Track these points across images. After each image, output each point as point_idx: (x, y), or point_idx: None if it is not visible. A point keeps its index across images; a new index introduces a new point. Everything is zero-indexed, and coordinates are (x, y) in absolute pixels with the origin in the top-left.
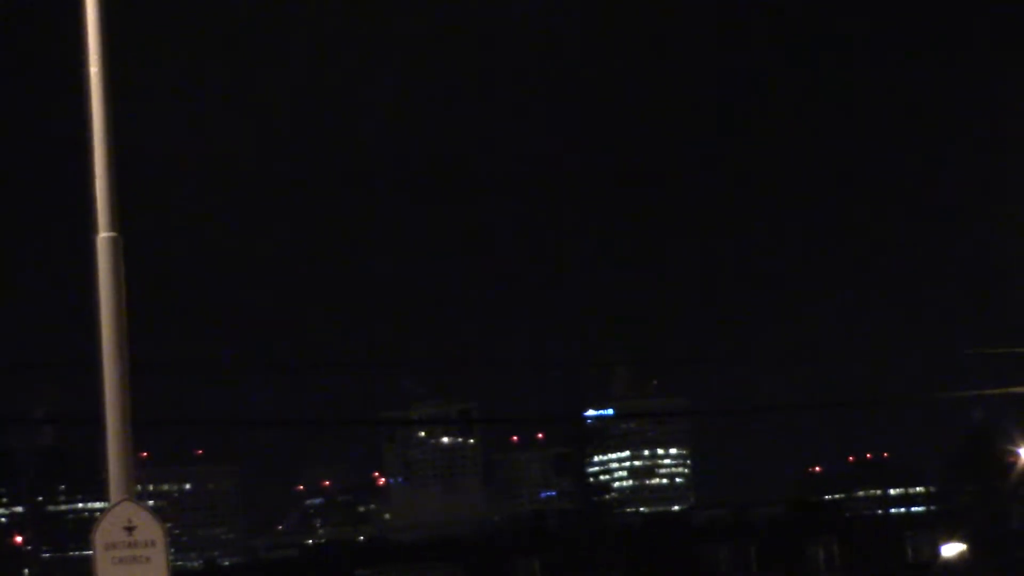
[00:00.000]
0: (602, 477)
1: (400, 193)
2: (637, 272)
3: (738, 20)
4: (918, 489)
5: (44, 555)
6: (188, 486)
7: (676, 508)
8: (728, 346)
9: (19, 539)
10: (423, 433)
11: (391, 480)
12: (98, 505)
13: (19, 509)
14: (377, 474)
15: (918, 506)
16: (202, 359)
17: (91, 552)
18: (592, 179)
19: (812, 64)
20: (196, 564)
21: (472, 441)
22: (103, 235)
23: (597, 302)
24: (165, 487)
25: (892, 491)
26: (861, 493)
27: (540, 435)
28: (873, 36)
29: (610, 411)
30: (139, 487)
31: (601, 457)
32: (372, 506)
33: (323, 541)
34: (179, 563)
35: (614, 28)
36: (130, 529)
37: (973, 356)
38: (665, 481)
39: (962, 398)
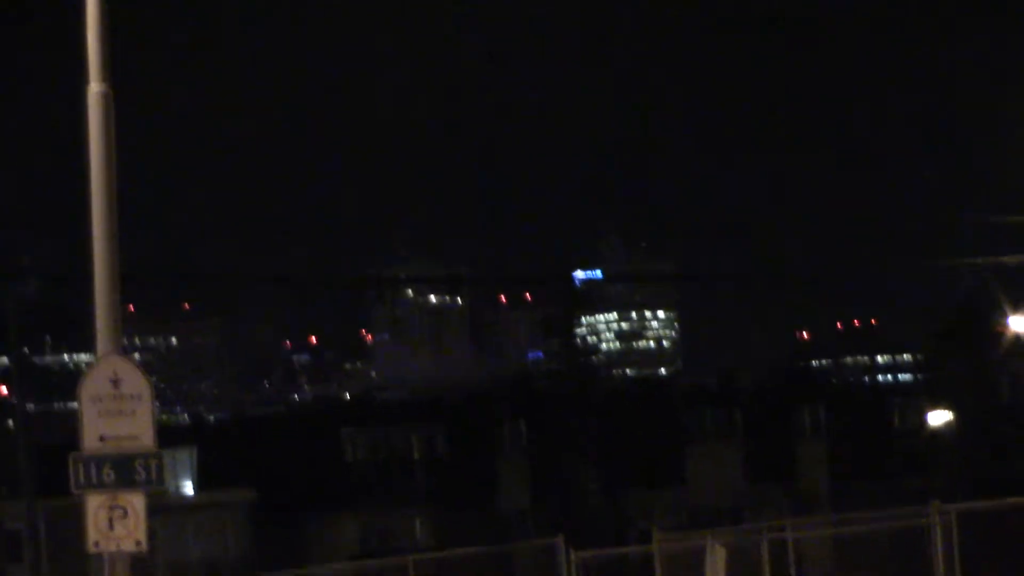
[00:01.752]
0: (590, 339)
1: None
2: (633, 133)
3: None
4: (906, 357)
5: (29, 407)
6: (174, 340)
7: (663, 371)
8: (720, 211)
9: (3, 390)
10: (412, 293)
11: (378, 338)
12: (84, 357)
13: (3, 360)
14: (364, 332)
15: (906, 374)
16: (191, 215)
17: (76, 405)
18: (590, 32)
19: None
20: (182, 417)
21: (460, 301)
22: (94, 88)
23: (591, 164)
24: (152, 341)
25: (880, 358)
26: (848, 360)
27: (528, 296)
28: None
29: (598, 273)
30: (125, 341)
31: (589, 319)
32: (358, 364)
33: (309, 398)
34: (164, 417)
35: None
36: (116, 382)
37: (966, 225)
38: (652, 344)
39: (954, 266)
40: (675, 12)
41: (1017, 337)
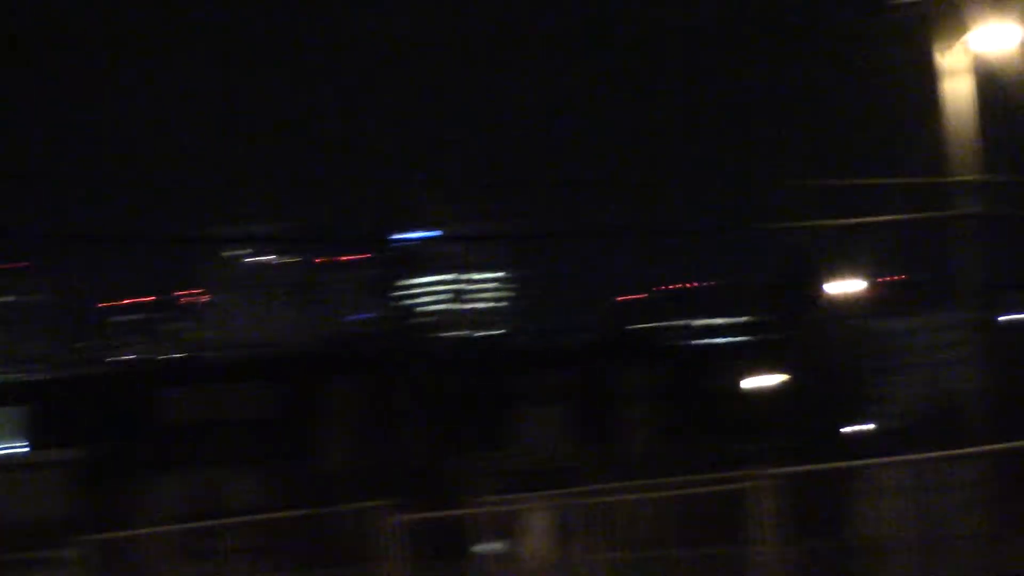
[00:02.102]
0: (419, 300)
1: None
2: (469, 93)
3: None
4: (734, 320)
5: None
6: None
7: (491, 333)
8: (549, 171)
9: None
10: (241, 251)
11: (208, 299)
12: None
13: None
14: (195, 291)
15: (733, 336)
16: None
17: None
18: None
19: None
20: (11, 376)
21: (290, 260)
22: None
23: (423, 123)
24: None
25: (706, 321)
26: (675, 323)
27: (357, 256)
28: None
29: (418, 235)
30: None
31: (418, 280)
32: (184, 324)
33: (132, 357)
34: None
35: None
36: None
37: (789, 188)
38: (482, 306)
39: (777, 229)
40: None
41: (839, 299)
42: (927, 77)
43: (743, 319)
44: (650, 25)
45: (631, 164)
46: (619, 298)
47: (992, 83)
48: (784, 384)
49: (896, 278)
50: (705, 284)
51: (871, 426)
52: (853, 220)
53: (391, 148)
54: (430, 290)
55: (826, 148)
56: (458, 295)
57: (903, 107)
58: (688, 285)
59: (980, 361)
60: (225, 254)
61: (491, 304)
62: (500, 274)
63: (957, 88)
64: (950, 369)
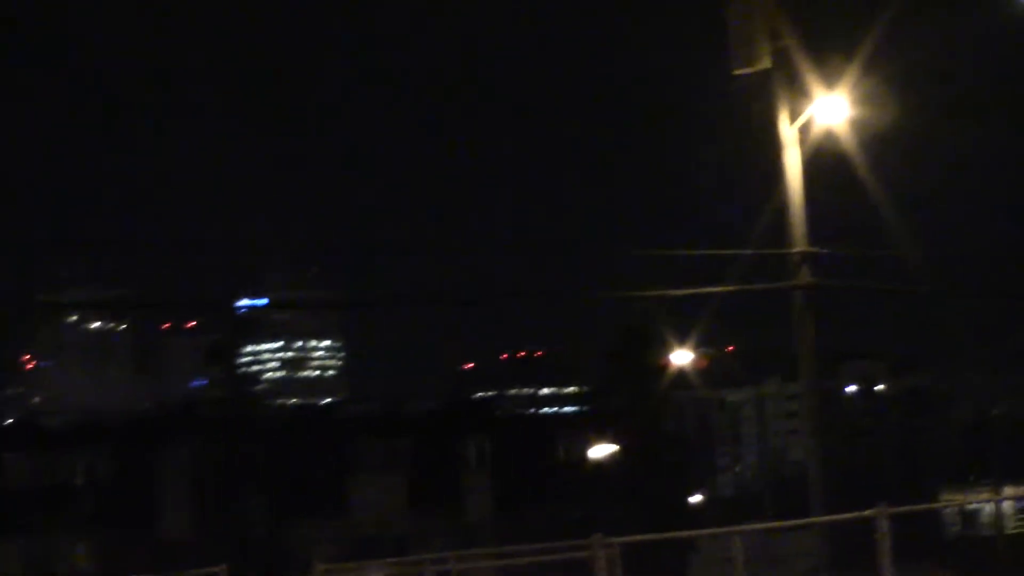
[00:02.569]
0: (254, 368)
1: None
2: (297, 158)
3: None
4: (571, 388)
5: None
6: None
7: (327, 400)
8: (395, 236)
9: None
10: (75, 317)
11: (41, 364)
12: None
13: None
14: (28, 357)
15: (571, 405)
16: None
17: None
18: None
19: None
20: None
21: (124, 327)
22: None
23: (260, 189)
24: None
25: (545, 389)
26: (513, 391)
27: (193, 323)
28: None
29: (265, 300)
30: None
31: (254, 347)
32: (20, 389)
33: None
34: None
35: None
36: None
37: (634, 256)
38: (317, 373)
39: (621, 298)
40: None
41: (679, 369)
42: (772, 148)
43: (584, 387)
44: (485, 89)
45: (474, 231)
46: (461, 365)
47: (823, 155)
48: (625, 453)
49: (732, 349)
50: (547, 351)
51: (712, 495)
52: (691, 290)
53: (227, 214)
54: (269, 357)
55: (672, 216)
56: (297, 362)
57: (750, 177)
58: (530, 352)
59: (819, 431)
60: (62, 319)
61: (330, 371)
62: (338, 342)
63: (793, 160)
64: (791, 439)
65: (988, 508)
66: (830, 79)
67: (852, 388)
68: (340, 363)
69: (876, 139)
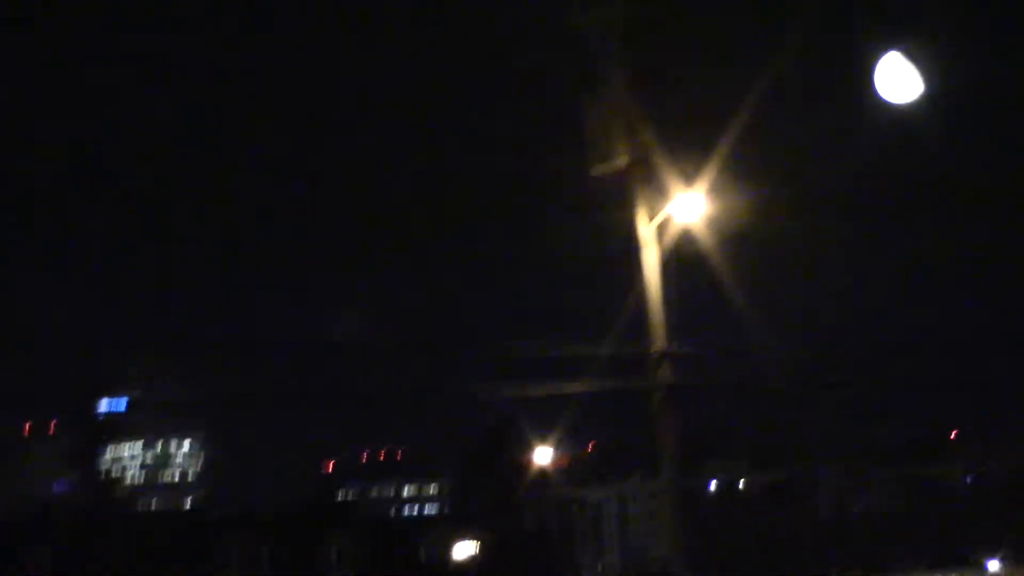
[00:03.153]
0: (115, 469)
1: None
2: (162, 249)
3: None
4: (433, 488)
5: None
6: None
7: (188, 502)
8: (245, 333)
9: None
10: None
11: None
12: None
13: None
14: None
15: (433, 503)
16: None
17: None
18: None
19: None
20: None
21: None
22: None
23: (123, 283)
24: None
25: (407, 489)
26: (375, 491)
27: (53, 425)
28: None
29: (123, 402)
30: None
31: (115, 450)
32: None
33: None
34: None
35: None
36: None
37: (497, 352)
38: (178, 475)
39: (480, 394)
40: None
41: (540, 468)
42: (632, 246)
43: (447, 484)
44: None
45: (332, 327)
46: (323, 464)
47: (681, 253)
48: (487, 552)
49: (594, 444)
50: (409, 448)
51: None
52: (550, 389)
53: (84, 315)
54: (130, 456)
55: (533, 315)
56: (158, 462)
57: (610, 276)
58: (392, 450)
59: (680, 528)
60: None
61: (193, 471)
62: (200, 441)
63: (651, 258)
64: (654, 536)
65: None
66: (688, 176)
67: (714, 484)
68: (202, 464)
69: (734, 235)
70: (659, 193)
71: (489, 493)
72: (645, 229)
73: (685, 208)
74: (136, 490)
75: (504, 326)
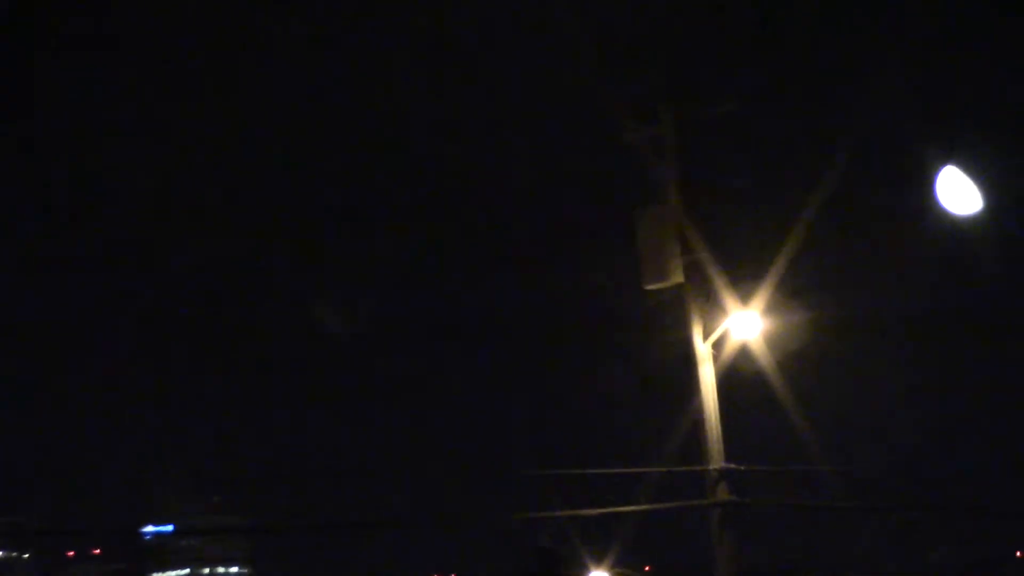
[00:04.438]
0: None
1: None
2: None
3: None
4: None
5: None
6: None
7: None
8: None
9: None
10: None
11: None
12: None
13: None
14: None
15: None
16: None
17: None
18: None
19: None
20: None
21: (26, 556)
22: None
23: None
24: None
25: None
26: None
27: (97, 550)
28: None
29: (170, 527)
30: None
31: (160, 574)
32: None
33: None
34: None
35: None
36: None
37: (546, 477)
38: None
39: (531, 519)
40: None
41: None
42: (690, 364)
43: None
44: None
45: (377, 453)
46: None
47: (737, 371)
48: None
49: (649, 568)
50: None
51: None
52: (604, 510)
53: (126, 443)
54: None
55: (586, 435)
56: None
57: (666, 395)
58: None
59: None
60: None
61: None
62: (245, 568)
63: (708, 375)
64: None
65: None
66: (744, 293)
67: None
68: None
69: (792, 354)
70: (715, 309)
71: None
72: (701, 346)
73: (742, 325)
74: None
75: (559, 448)
